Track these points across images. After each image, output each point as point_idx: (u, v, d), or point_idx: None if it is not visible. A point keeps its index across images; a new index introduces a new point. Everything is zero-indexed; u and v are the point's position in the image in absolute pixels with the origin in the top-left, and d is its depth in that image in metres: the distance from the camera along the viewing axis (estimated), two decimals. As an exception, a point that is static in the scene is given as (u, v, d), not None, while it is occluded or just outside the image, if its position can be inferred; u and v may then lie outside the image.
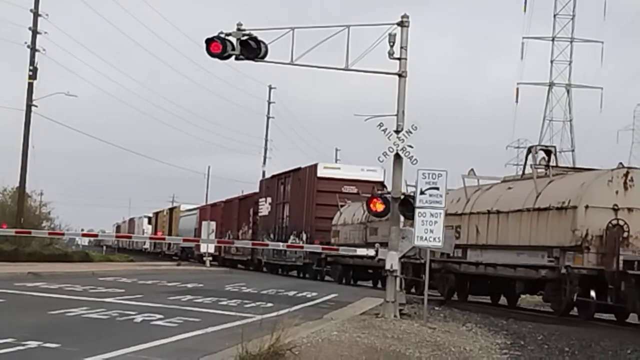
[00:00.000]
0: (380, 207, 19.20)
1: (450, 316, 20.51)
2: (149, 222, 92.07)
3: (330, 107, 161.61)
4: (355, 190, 38.93)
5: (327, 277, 40.05)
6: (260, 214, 49.88)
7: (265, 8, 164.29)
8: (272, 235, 46.19)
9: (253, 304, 19.68)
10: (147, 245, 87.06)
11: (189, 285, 27.79)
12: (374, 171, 40.17)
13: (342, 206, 38.22)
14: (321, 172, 41.27)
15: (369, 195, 31.65)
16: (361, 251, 24.27)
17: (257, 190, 52.91)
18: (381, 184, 37.97)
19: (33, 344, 11.17)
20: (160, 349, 11.63)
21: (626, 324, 21.46)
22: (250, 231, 51.92)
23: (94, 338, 12.53)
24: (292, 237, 42.77)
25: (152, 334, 13.08)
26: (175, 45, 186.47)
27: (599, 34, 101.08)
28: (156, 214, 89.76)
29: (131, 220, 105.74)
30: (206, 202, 79.33)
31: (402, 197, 18.70)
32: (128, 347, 11.33)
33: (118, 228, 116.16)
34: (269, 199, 48.26)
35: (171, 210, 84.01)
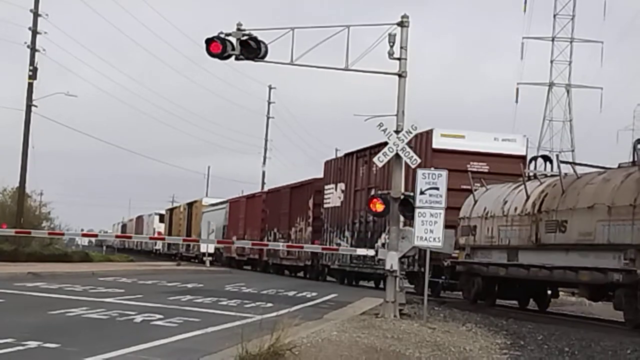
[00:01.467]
0: (380, 207, 19.10)
1: (450, 316, 20.48)
2: (161, 220, 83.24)
3: (330, 107, 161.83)
4: (486, 168, 28.32)
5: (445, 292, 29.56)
6: (326, 206, 38.11)
7: (265, 8, 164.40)
8: (347, 234, 35.21)
9: (253, 304, 19.68)
10: (158, 246, 77.68)
11: (189, 285, 27.80)
12: (512, 141, 29.07)
13: (476, 190, 26.58)
14: (438, 143, 28.62)
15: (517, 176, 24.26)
16: (361, 251, 24.13)
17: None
18: (522, 159, 27.70)
19: (33, 344, 11.17)
20: (160, 349, 11.64)
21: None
22: (310, 228, 40.51)
23: (94, 338, 12.53)
24: (383, 235, 29.65)
25: (152, 334, 13.09)
26: (175, 45, 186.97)
27: (598, 34, 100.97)
28: (170, 210, 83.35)
29: (139, 218, 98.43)
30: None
31: (402, 197, 18.69)
32: (128, 347, 11.33)
33: (124, 227, 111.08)
34: (341, 185, 36.43)
35: (190, 205, 71.36)
